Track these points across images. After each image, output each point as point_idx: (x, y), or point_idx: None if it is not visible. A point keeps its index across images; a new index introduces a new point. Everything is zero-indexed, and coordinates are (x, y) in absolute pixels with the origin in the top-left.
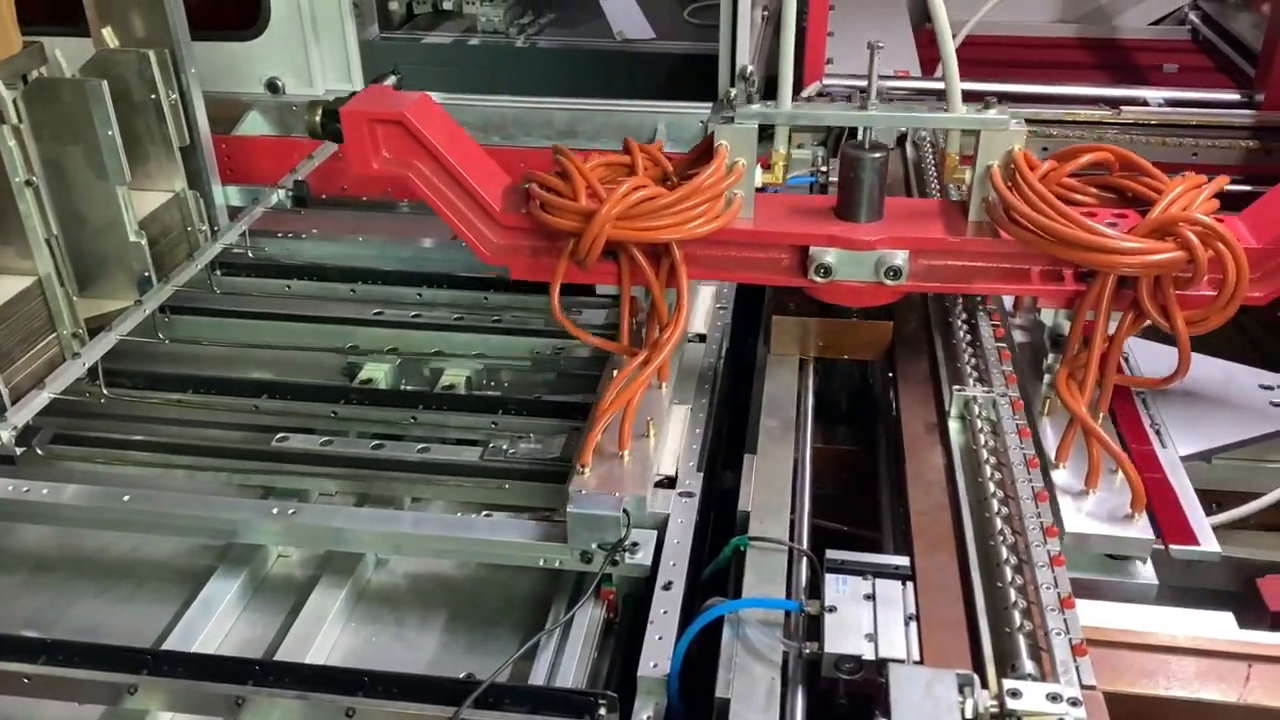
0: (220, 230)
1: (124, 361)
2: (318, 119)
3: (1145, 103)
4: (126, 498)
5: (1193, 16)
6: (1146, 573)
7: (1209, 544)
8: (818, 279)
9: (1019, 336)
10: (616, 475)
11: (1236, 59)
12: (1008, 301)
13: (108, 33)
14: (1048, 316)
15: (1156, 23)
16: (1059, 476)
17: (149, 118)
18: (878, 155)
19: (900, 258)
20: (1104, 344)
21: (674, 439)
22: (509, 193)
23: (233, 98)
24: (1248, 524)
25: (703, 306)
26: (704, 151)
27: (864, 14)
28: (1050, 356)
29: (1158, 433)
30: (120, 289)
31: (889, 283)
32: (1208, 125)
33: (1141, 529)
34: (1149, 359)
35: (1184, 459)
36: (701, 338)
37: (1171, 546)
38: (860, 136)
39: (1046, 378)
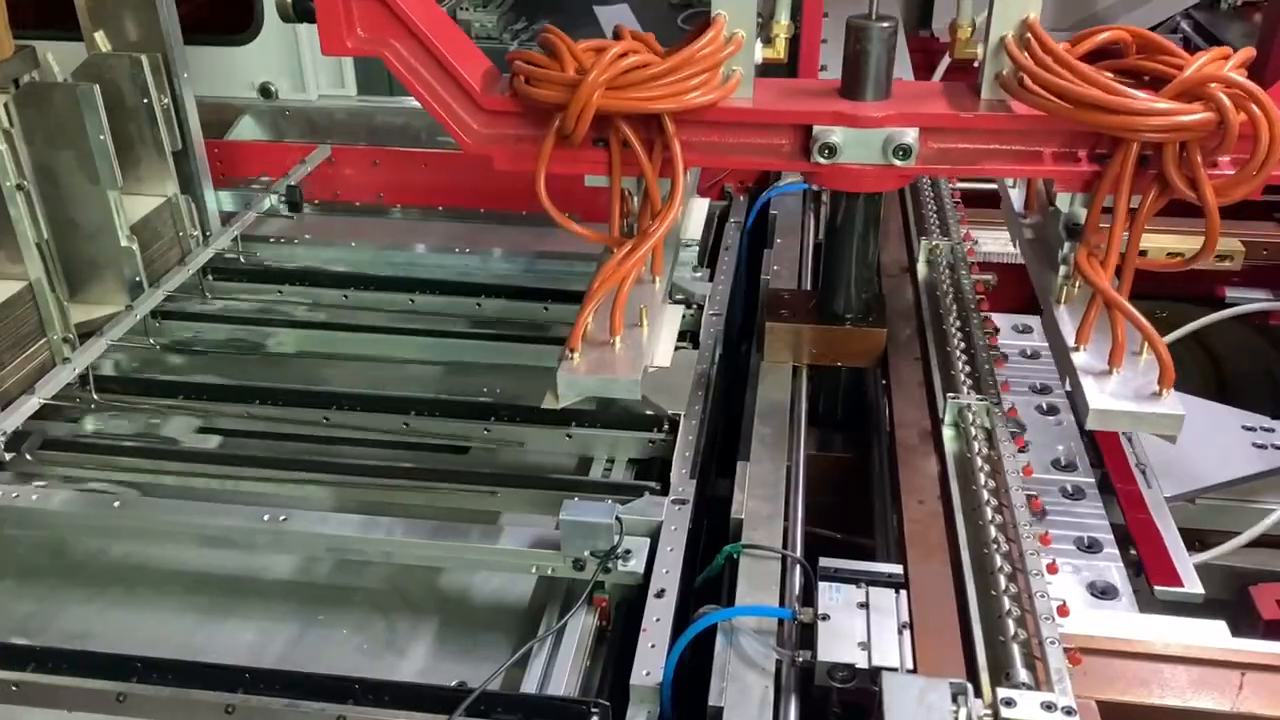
0: (212, 235)
1: (114, 366)
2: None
3: None
4: (117, 504)
5: (1184, 25)
6: (1127, 607)
7: (1193, 585)
8: (821, 160)
9: (1028, 234)
10: (607, 360)
11: None
12: (1018, 203)
13: (100, 37)
14: (1063, 203)
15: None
16: (1079, 358)
17: (141, 122)
18: (885, 25)
19: (910, 135)
20: (1126, 221)
21: (668, 334)
22: (492, 75)
23: (225, 102)
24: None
25: (695, 217)
26: (700, 29)
27: None
28: (1066, 246)
29: (1143, 473)
30: (111, 294)
31: (898, 163)
32: None
33: (1171, 405)
34: None
35: (1168, 499)
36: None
37: (1156, 587)
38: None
39: (1063, 268)
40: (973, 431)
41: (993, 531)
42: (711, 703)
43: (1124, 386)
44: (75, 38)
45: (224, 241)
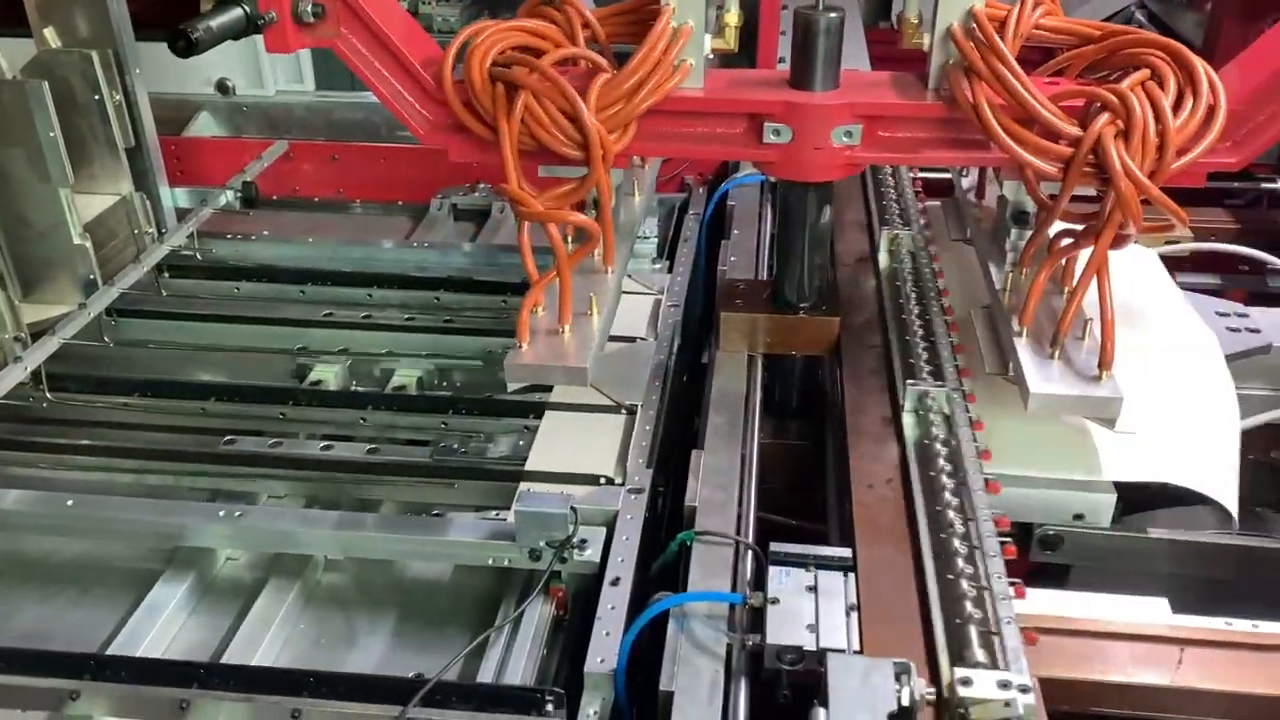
0: (167, 232)
1: (69, 365)
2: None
3: None
4: (70, 502)
5: (1139, 15)
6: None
7: None
8: (774, 140)
9: (978, 221)
10: (556, 348)
11: None
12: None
13: (50, 33)
14: (1010, 190)
15: (1105, 21)
16: (1021, 343)
17: (93, 119)
18: (832, 16)
19: (856, 124)
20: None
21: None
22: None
23: (183, 99)
24: None
25: (644, 311)
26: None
27: None
28: (1013, 233)
29: None
30: (64, 293)
31: (845, 150)
32: None
33: (1110, 388)
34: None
35: None
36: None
37: None
38: None
39: (1010, 255)
40: (932, 418)
41: (950, 515)
42: (662, 687)
43: (1064, 371)
44: (25, 34)
45: (179, 239)
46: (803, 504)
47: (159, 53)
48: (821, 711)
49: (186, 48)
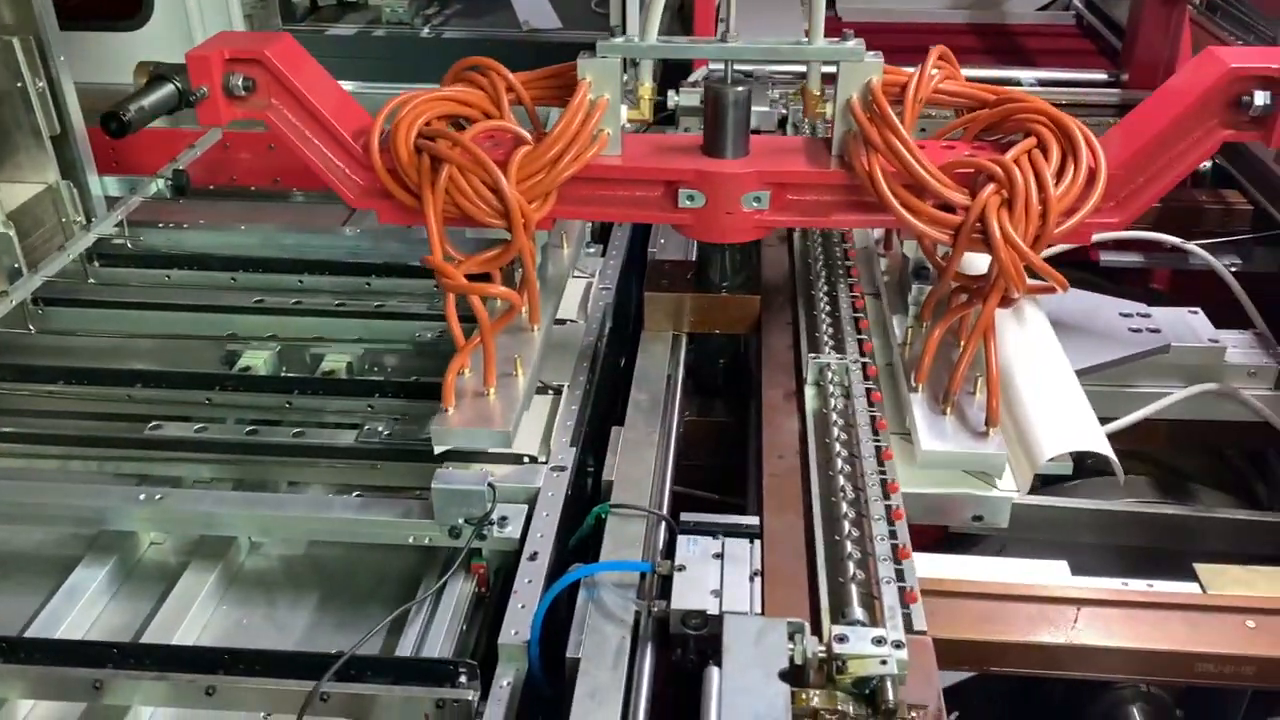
0: (96, 220)
1: None
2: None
3: (1019, 83)
4: None
5: (1076, 2)
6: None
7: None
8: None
9: (883, 274)
10: (481, 412)
11: (1114, 41)
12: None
13: None
14: (910, 249)
15: (1044, 8)
16: (915, 399)
17: (15, 107)
18: (740, 90)
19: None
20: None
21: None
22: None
23: (118, 89)
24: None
25: (576, 294)
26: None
27: None
28: (914, 289)
29: None
30: None
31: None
32: (1078, 104)
33: (995, 445)
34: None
35: None
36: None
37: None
38: (722, 70)
39: (912, 309)
40: (831, 389)
41: (841, 481)
42: (569, 655)
43: (956, 427)
44: None
45: (106, 227)
46: (727, 479)
47: (93, 42)
48: (715, 670)
49: (119, 129)
